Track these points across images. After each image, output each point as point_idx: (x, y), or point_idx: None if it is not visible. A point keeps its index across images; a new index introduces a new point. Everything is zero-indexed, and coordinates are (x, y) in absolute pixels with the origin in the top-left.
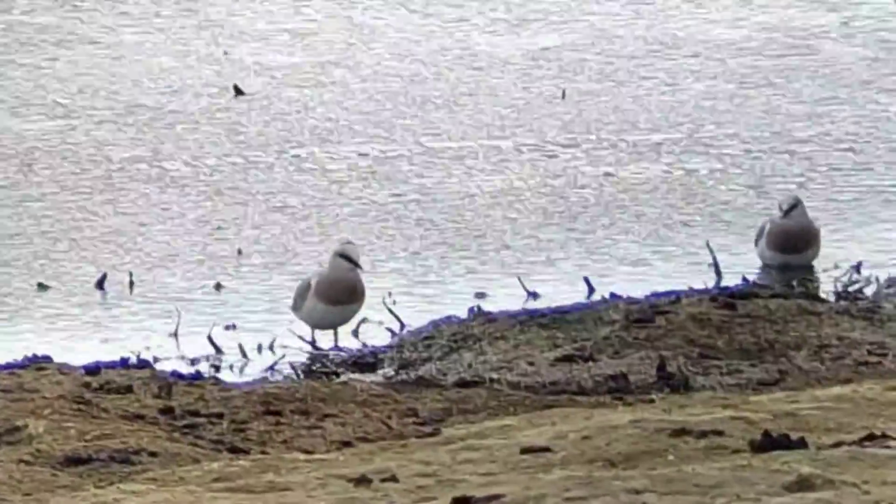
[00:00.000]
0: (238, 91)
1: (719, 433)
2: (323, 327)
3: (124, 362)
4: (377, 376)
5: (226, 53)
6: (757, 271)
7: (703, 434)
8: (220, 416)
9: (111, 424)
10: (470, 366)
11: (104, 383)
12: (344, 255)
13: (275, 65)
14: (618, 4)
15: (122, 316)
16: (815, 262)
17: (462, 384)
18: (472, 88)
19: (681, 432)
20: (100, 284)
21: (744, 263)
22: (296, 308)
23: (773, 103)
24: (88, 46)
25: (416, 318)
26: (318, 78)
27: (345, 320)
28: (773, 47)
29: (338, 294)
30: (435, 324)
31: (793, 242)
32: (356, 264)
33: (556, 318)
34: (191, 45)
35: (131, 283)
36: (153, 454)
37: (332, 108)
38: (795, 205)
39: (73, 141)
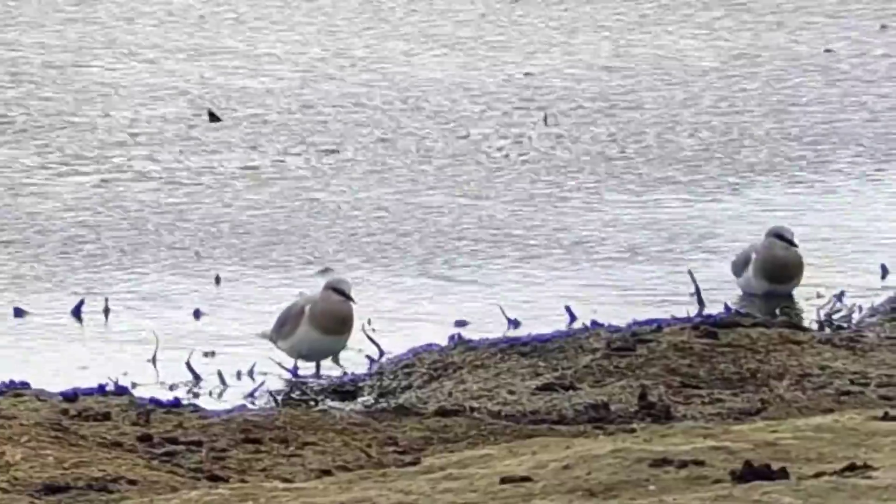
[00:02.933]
0: (213, 117)
1: (700, 463)
2: (311, 358)
3: (102, 389)
4: (357, 404)
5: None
6: (740, 301)
7: (683, 464)
8: (199, 443)
9: (89, 452)
10: (450, 394)
11: (82, 410)
12: (336, 289)
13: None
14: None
15: (99, 342)
16: (796, 291)
17: (442, 413)
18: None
19: (662, 462)
20: (77, 311)
21: (727, 292)
22: (280, 336)
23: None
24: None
25: (397, 345)
26: (303, 98)
27: (334, 351)
28: None
29: (331, 323)
30: (415, 351)
31: (784, 272)
32: (348, 297)
33: (537, 347)
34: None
35: (107, 310)
36: (132, 482)
37: (319, 132)
38: (780, 234)
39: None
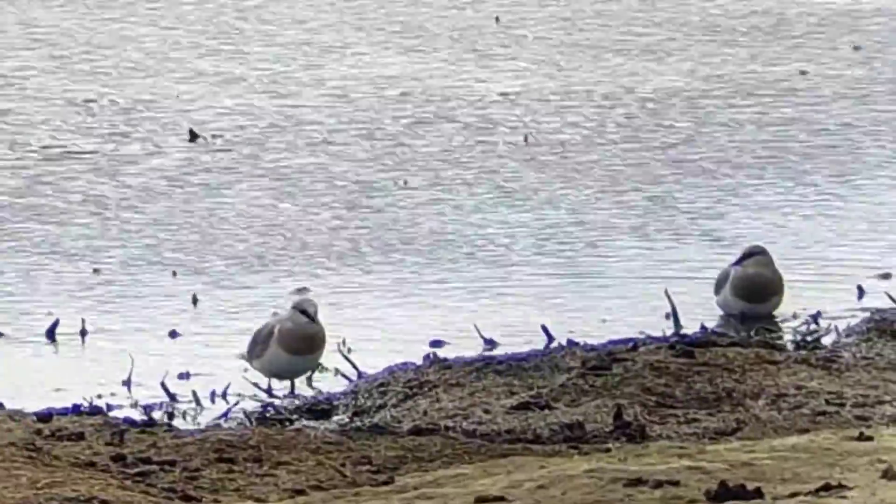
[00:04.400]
0: (193, 135)
1: (675, 483)
2: (283, 377)
3: (76, 409)
4: (331, 423)
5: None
6: (716, 320)
7: (659, 484)
8: (173, 463)
9: (63, 472)
10: (425, 413)
11: (56, 430)
12: (301, 310)
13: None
14: None
15: (74, 362)
16: (775, 311)
17: (417, 432)
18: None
19: (637, 482)
20: (51, 331)
21: (703, 311)
22: (253, 356)
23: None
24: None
25: (372, 364)
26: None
27: (306, 370)
28: None
29: (299, 344)
30: (390, 370)
31: (759, 291)
32: (312, 318)
33: (513, 366)
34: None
35: (83, 331)
36: (105, 502)
37: (290, 149)
38: (753, 253)
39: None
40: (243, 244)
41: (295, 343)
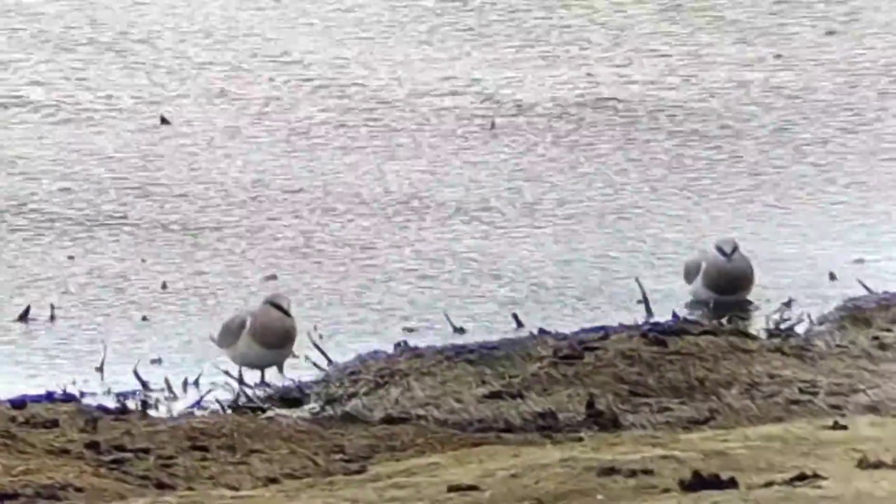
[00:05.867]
0: (164, 120)
1: (649, 472)
2: (255, 367)
3: (49, 396)
4: (303, 412)
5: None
6: (688, 308)
7: (632, 473)
8: (147, 450)
9: (37, 459)
10: (397, 402)
11: (30, 417)
12: (274, 304)
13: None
14: None
15: (47, 349)
16: (747, 298)
17: (389, 420)
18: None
19: (610, 471)
20: (23, 317)
21: (674, 299)
22: (224, 345)
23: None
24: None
25: (343, 352)
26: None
27: (277, 363)
28: None
29: (271, 338)
30: (362, 359)
31: (732, 285)
32: (286, 313)
33: (484, 354)
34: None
35: (52, 317)
36: (79, 489)
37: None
38: (736, 247)
39: None
40: (221, 230)
41: (268, 337)
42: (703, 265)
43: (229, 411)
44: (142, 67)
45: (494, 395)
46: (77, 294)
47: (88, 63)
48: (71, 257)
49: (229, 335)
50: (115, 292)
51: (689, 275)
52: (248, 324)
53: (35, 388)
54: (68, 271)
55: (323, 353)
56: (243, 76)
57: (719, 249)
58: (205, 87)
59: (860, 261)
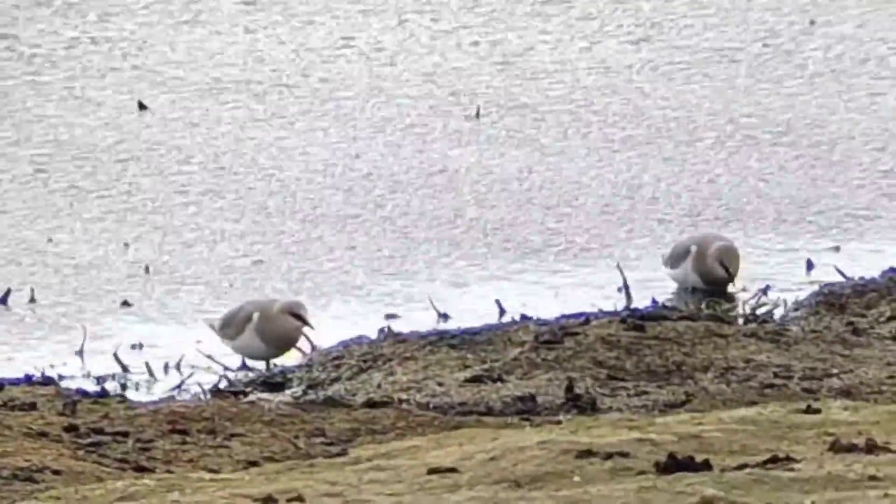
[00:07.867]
0: (142, 106)
1: (625, 455)
2: (252, 360)
3: (28, 379)
4: (285, 396)
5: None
6: (668, 293)
7: (608, 455)
8: (126, 434)
9: (15, 442)
10: (379, 386)
11: (7, 400)
12: (296, 315)
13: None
14: None
15: (25, 332)
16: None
17: (371, 404)
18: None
19: (587, 453)
20: (3, 300)
21: (654, 284)
22: (225, 335)
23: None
24: None
25: (326, 337)
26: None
27: (273, 359)
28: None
29: (281, 344)
30: (345, 344)
31: (723, 285)
32: (306, 322)
33: (466, 339)
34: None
35: (32, 299)
36: (57, 472)
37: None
38: (737, 267)
39: None
40: (203, 216)
41: (279, 344)
42: (694, 249)
43: (210, 395)
44: None
45: (475, 380)
46: (58, 276)
47: None
48: (50, 240)
49: (232, 327)
50: (96, 275)
51: (675, 258)
52: (254, 319)
53: (13, 372)
54: (48, 253)
55: (306, 337)
56: None
57: (721, 264)
58: None
59: (836, 248)
